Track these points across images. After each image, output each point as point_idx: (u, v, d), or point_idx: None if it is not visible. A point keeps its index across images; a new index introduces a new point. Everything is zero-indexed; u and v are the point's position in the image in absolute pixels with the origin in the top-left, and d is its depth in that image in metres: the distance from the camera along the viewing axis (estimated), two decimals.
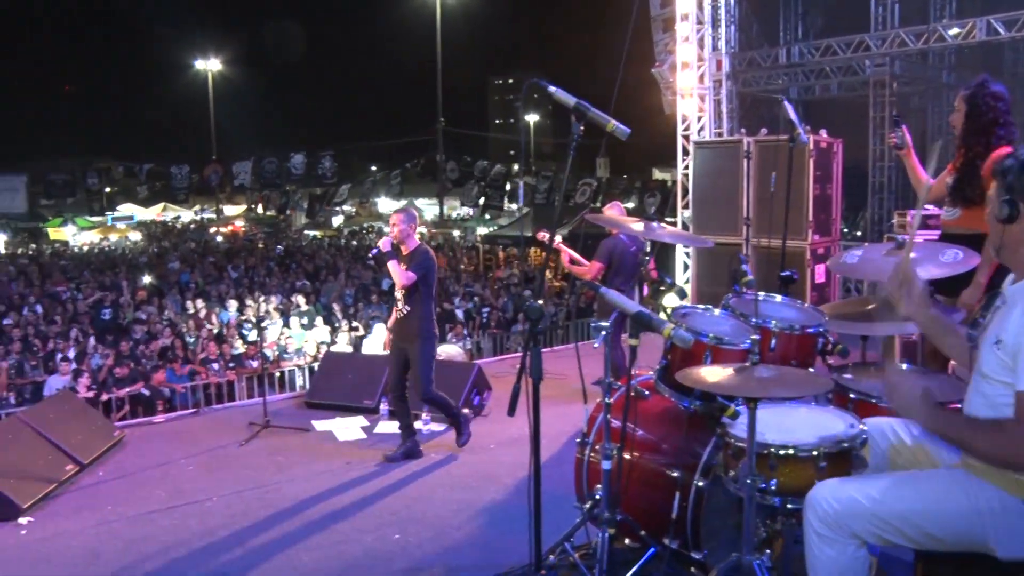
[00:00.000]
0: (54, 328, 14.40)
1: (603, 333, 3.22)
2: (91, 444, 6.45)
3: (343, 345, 13.15)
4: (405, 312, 6.19)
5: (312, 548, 4.76)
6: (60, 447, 6.09)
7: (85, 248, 35.27)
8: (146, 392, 10.78)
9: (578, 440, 3.92)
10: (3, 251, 34.57)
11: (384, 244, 6.13)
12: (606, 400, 3.36)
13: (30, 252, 32.73)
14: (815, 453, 2.90)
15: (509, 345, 13.82)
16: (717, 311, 3.95)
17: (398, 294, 6.23)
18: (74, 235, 39.92)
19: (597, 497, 3.55)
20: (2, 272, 23.63)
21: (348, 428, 7.06)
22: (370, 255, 6.45)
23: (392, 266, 6.09)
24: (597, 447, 3.72)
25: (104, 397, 10.29)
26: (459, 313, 15.11)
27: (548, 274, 21.12)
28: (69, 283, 20.37)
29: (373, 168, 38.02)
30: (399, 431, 6.36)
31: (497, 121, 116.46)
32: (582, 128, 3.16)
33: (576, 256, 7.50)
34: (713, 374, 3.12)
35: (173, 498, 5.64)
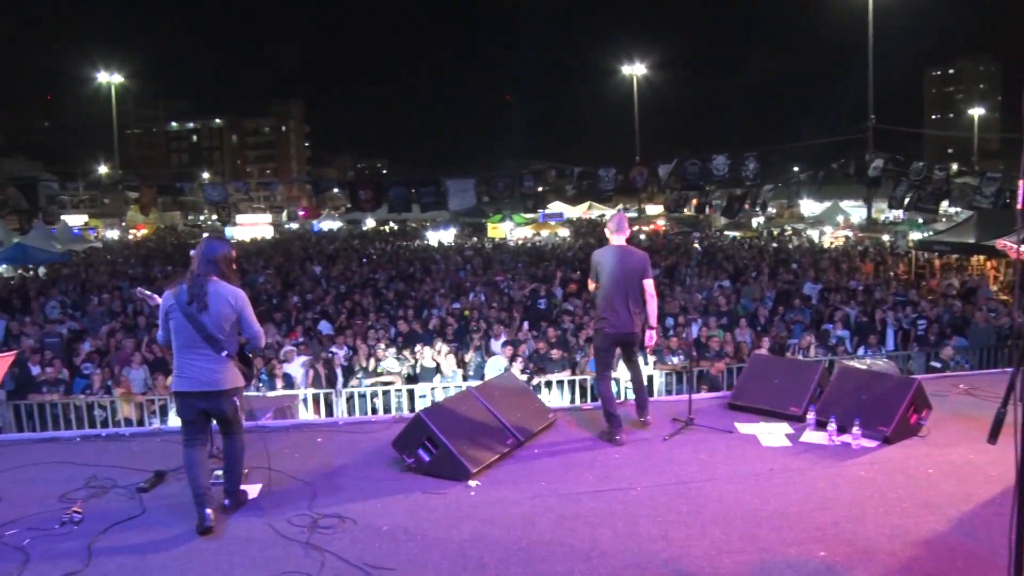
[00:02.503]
0: (492, 313, 15.81)
1: None
2: (528, 422, 6.96)
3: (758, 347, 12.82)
4: None
5: (733, 551, 4.68)
6: (503, 422, 6.65)
7: (520, 242, 38.49)
8: (573, 378, 11.39)
9: None
10: (452, 243, 39.05)
11: None
12: None
13: (475, 245, 36.58)
14: None
15: (935, 363, 12.43)
16: None
17: None
18: (511, 230, 43.76)
19: None
20: (451, 261, 26.66)
21: (772, 434, 6.84)
22: None
23: None
24: None
25: (535, 381, 11.02)
26: (889, 323, 13.96)
27: (994, 287, 18.91)
28: (506, 274, 22.35)
29: (795, 169, 36.83)
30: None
31: (934, 116, 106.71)
32: None
33: None
34: None
35: (600, 482, 5.88)
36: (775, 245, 31.76)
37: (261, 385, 11.03)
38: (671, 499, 5.50)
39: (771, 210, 38.56)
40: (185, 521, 5.16)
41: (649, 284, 6.98)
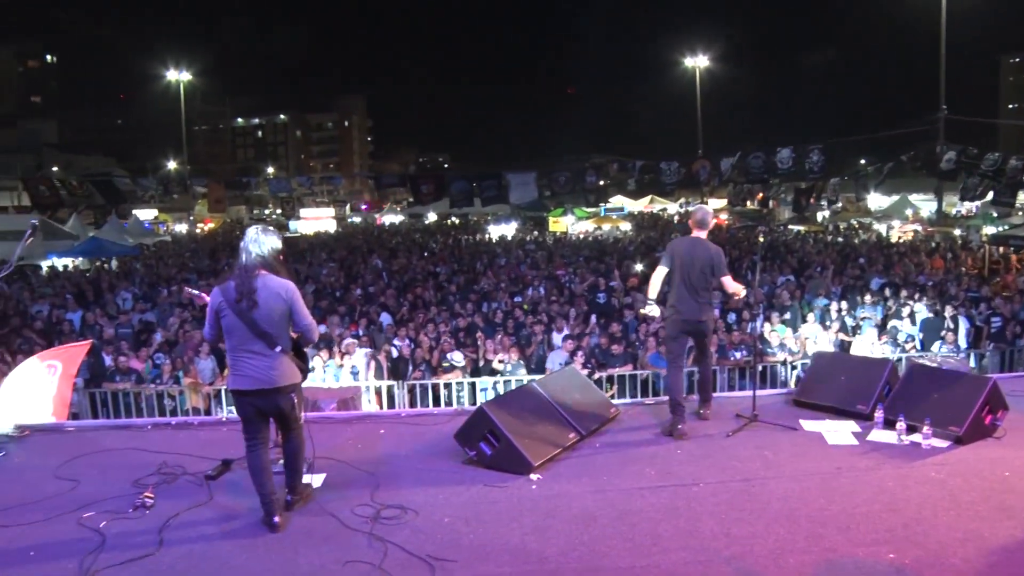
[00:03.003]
0: (554, 307, 15.77)
1: None
2: (590, 416, 6.94)
3: (824, 344, 12.61)
4: None
5: (798, 551, 4.61)
6: (565, 416, 6.64)
7: (581, 236, 38.36)
8: (638, 373, 11.30)
9: None
10: (512, 237, 39.09)
11: None
12: None
13: (536, 239, 36.57)
14: None
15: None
16: None
17: None
18: (572, 224, 43.63)
19: None
20: (512, 255, 26.70)
21: (838, 432, 6.71)
22: None
23: None
24: None
25: (596, 375, 10.96)
26: (962, 320, 13.53)
27: None
28: (567, 268, 22.31)
29: (862, 162, 35.93)
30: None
31: (1011, 106, 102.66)
32: None
33: None
34: None
35: (662, 478, 5.83)
36: (841, 240, 31.09)
37: (326, 376, 11.20)
38: (734, 496, 5.43)
39: (838, 204, 37.70)
40: (251, 509, 5.25)
41: (728, 280, 7.17)
